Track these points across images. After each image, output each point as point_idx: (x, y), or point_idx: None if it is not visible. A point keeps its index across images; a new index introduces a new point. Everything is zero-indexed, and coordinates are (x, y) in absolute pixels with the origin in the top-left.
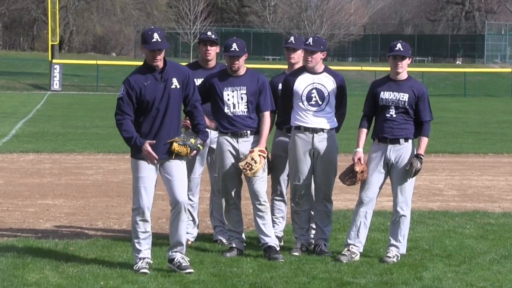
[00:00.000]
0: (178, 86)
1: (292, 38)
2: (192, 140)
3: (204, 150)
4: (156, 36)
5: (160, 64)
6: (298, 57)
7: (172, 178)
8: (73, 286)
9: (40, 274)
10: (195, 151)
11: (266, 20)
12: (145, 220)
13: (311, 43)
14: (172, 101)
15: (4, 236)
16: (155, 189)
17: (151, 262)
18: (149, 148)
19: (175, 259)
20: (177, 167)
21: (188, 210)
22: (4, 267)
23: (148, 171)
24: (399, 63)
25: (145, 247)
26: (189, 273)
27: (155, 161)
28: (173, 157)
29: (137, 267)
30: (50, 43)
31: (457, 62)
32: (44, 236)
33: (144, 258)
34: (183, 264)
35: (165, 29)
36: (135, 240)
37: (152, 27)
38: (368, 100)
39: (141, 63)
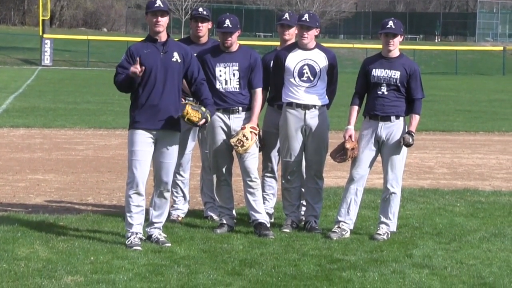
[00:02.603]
0: (179, 60)
1: (287, 15)
2: (203, 108)
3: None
4: (158, 2)
5: (161, 30)
6: (292, 34)
7: (163, 155)
8: (63, 261)
9: (30, 248)
10: (204, 120)
11: None
12: (138, 194)
13: (307, 19)
14: (171, 73)
15: None
16: (150, 164)
17: (143, 238)
18: (134, 66)
19: (153, 236)
20: (171, 145)
21: (179, 186)
22: None
23: (144, 145)
24: (390, 40)
25: (137, 222)
26: (167, 246)
27: (138, 72)
28: (185, 120)
29: (129, 242)
30: (41, 17)
31: (437, 40)
32: (34, 211)
33: (136, 233)
34: (161, 240)
35: None
36: (128, 214)
37: None
38: (360, 77)
39: (132, 39)
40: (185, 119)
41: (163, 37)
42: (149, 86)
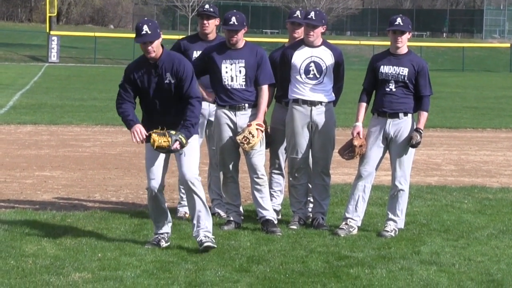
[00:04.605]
0: (172, 81)
1: (298, 13)
2: (172, 132)
3: (202, 122)
4: (145, 28)
5: (153, 55)
6: (302, 32)
7: (180, 157)
8: (71, 257)
9: (38, 245)
10: (177, 142)
11: None
12: (155, 199)
13: (313, 17)
14: (166, 93)
15: (1, 208)
16: (167, 167)
17: (166, 236)
18: (137, 132)
19: (197, 238)
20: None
21: None
22: (1, 238)
23: (156, 151)
24: (398, 37)
25: (159, 224)
26: (207, 247)
27: (139, 141)
28: (155, 149)
29: (151, 240)
30: (48, 14)
31: (444, 36)
32: (42, 208)
33: (160, 234)
34: (203, 241)
35: (163, 2)
36: (151, 217)
37: (146, 18)
38: (368, 74)
39: None
40: (155, 147)
41: (154, 56)
42: (148, 104)
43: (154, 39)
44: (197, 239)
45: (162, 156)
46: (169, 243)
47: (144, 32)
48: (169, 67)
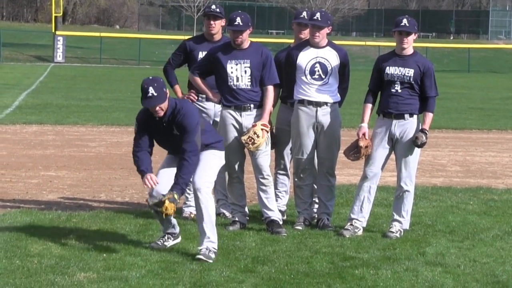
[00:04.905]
0: (178, 133)
1: (304, 13)
2: (176, 196)
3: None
4: (151, 90)
5: (162, 114)
6: (308, 34)
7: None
8: (76, 257)
9: (43, 245)
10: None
11: None
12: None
13: (319, 18)
14: (177, 141)
15: (7, 207)
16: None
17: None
18: (149, 178)
19: (198, 247)
20: (205, 153)
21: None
22: (7, 238)
23: (167, 160)
24: (404, 38)
25: (162, 224)
26: (199, 259)
27: (151, 187)
28: (164, 216)
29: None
30: (53, 14)
31: (452, 38)
32: (47, 208)
33: (166, 233)
34: (200, 253)
35: (169, 2)
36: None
37: (151, 77)
38: (373, 75)
39: (144, 36)
40: (164, 215)
41: (162, 114)
42: (162, 146)
43: (161, 102)
44: (198, 247)
45: (172, 166)
46: (178, 240)
47: (150, 94)
48: (173, 121)
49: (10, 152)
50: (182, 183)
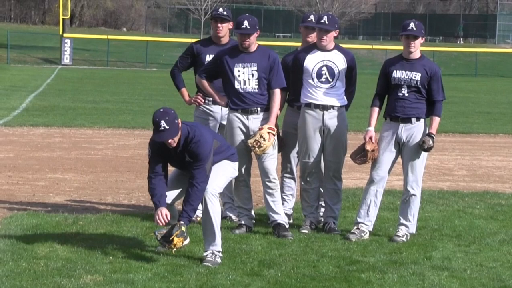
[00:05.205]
0: (192, 161)
1: (312, 17)
2: (183, 228)
3: (214, 126)
4: (163, 124)
5: (175, 145)
6: (315, 36)
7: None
8: (83, 260)
9: (50, 247)
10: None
11: None
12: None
13: (326, 22)
14: (187, 164)
15: (14, 210)
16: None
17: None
18: (160, 214)
19: (204, 253)
20: (220, 162)
21: None
22: (13, 240)
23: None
24: (411, 42)
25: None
26: (205, 265)
27: (161, 224)
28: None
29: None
30: (61, 17)
31: (460, 42)
32: (54, 210)
33: None
34: (206, 259)
35: (176, 5)
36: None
37: (162, 109)
38: (380, 79)
39: (151, 38)
40: (173, 251)
41: (174, 145)
42: (172, 165)
43: (174, 135)
44: (204, 253)
45: (184, 184)
46: (187, 241)
47: (162, 128)
48: (185, 149)
49: (17, 154)
50: (190, 209)
